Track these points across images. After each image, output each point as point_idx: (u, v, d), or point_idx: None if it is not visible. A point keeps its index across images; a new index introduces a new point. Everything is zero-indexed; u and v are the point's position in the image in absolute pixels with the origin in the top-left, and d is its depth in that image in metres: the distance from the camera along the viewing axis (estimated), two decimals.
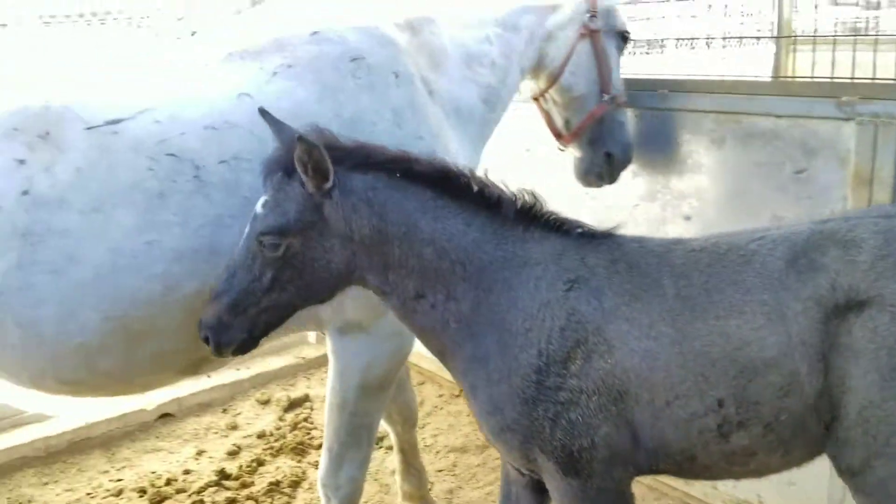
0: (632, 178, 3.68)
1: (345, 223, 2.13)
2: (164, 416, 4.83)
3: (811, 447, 2.07)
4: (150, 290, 2.35)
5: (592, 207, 3.70)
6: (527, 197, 2.22)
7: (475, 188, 2.20)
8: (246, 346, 2.22)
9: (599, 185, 3.54)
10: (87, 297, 2.28)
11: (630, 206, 3.73)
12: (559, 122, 3.46)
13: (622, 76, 3.48)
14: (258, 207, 2.14)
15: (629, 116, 3.55)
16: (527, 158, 4.09)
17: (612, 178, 3.51)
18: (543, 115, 3.52)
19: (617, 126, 3.41)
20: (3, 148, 2.25)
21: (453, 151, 2.84)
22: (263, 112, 2.25)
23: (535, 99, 3.51)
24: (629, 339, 2.06)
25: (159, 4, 7.21)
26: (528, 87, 3.49)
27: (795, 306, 1.97)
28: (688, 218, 3.61)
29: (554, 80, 3.34)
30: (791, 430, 2.02)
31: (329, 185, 2.09)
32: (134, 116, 2.39)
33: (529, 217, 2.23)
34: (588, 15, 3.29)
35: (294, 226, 2.11)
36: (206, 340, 2.20)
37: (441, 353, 2.30)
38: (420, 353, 3.56)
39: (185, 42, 3.04)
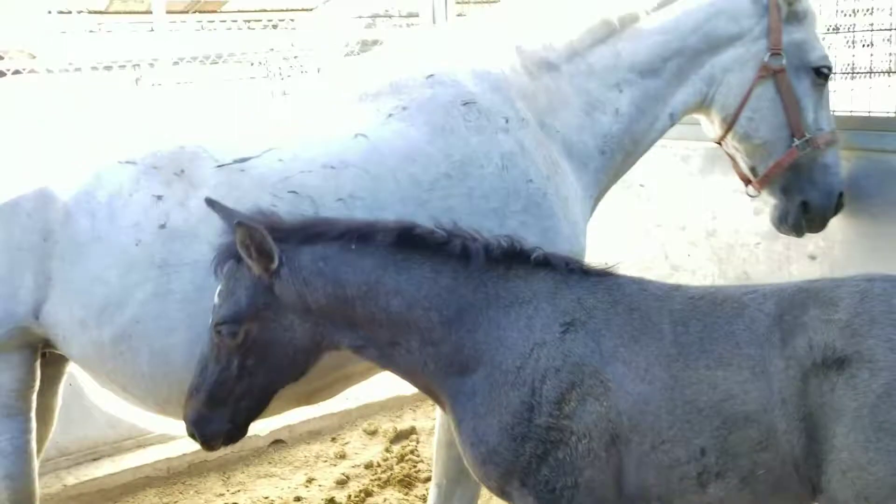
0: (753, 216, 3.53)
1: (299, 298, 2.13)
2: (276, 443, 4.97)
3: None
4: None
5: (712, 245, 3.57)
6: (502, 241, 2.23)
7: (437, 238, 2.20)
8: (233, 435, 2.25)
9: (799, 235, 3.21)
10: None
11: (751, 244, 3.58)
12: (745, 168, 3.17)
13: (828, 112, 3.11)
14: (215, 297, 2.17)
15: (839, 156, 3.11)
16: (641, 193, 4.01)
17: (813, 227, 3.14)
18: (729, 159, 3.26)
19: (818, 170, 3.04)
20: (143, 185, 2.43)
21: (564, 195, 2.81)
22: (210, 201, 2.25)
23: (718, 142, 3.23)
24: (626, 382, 2.07)
25: (271, 45, 7.63)
26: (709, 127, 3.24)
27: (779, 363, 1.97)
28: (813, 258, 3.43)
29: (729, 126, 3.06)
30: (769, 486, 2.01)
31: (275, 265, 2.10)
32: (260, 155, 2.52)
33: (510, 257, 2.22)
34: (769, 54, 2.96)
35: (248, 311, 2.12)
36: (193, 436, 2.24)
37: (427, 390, 2.31)
38: None
39: (307, 84, 3.18)
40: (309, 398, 2.76)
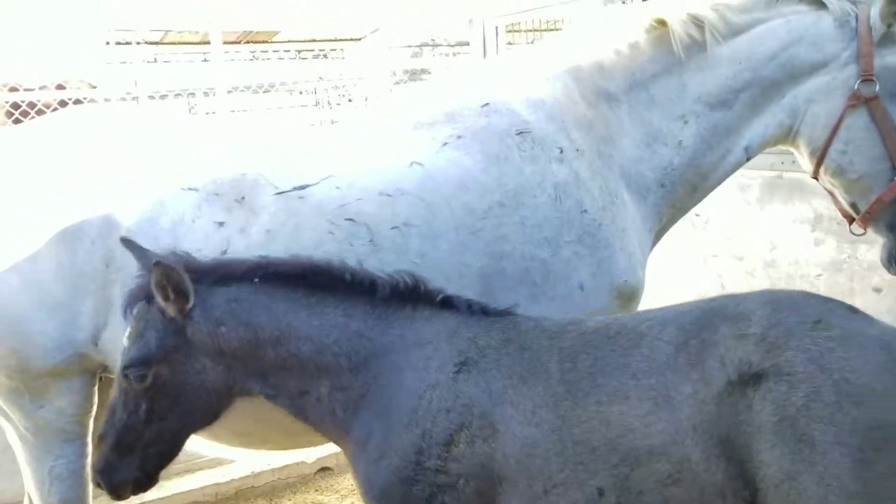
0: (814, 246, 3.44)
1: (211, 340, 2.10)
2: (323, 470, 4.96)
3: None
4: None
5: (770, 276, 3.49)
6: (406, 279, 2.20)
7: (348, 278, 2.18)
8: (142, 483, 2.17)
9: None
10: None
11: (812, 275, 3.49)
12: (845, 205, 2.95)
13: None
14: (123, 340, 2.13)
15: None
16: (697, 221, 3.94)
17: None
18: (829, 194, 3.04)
19: None
20: (205, 211, 2.46)
21: (622, 226, 2.76)
22: (125, 241, 2.24)
23: (814, 177, 3.00)
24: (513, 425, 2.01)
25: (320, 75, 7.78)
26: (802, 161, 3.03)
27: (685, 390, 1.88)
28: (878, 290, 3.32)
29: (819, 160, 2.86)
30: None
31: (190, 305, 2.07)
32: (318, 182, 2.54)
33: (416, 297, 2.20)
34: (859, 80, 2.74)
35: (157, 354, 2.08)
36: (99, 485, 2.17)
37: (338, 442, 2.28)
38: None
39: (361, 112, 3.21)
40: None
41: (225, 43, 6.29)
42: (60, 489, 2.70)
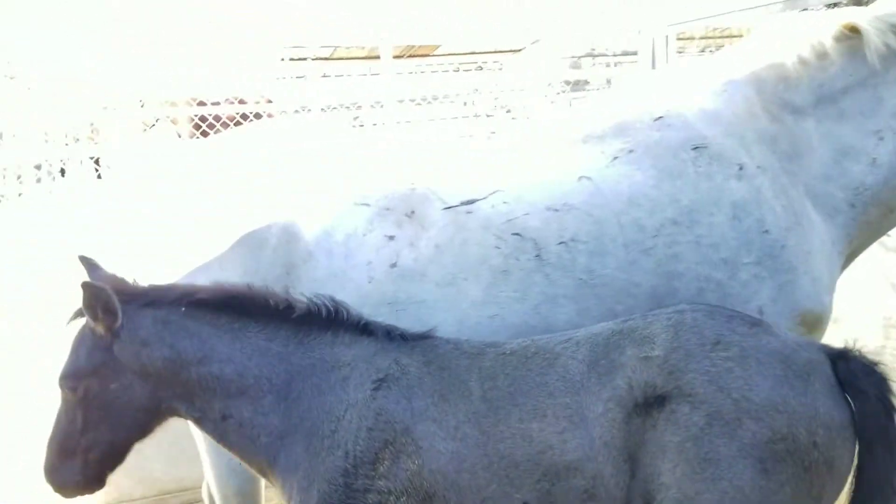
0: None
1: (137, 359, 2.18)
2: None
3: None
4: None
5: None
6: (328, 304, 2.24)
7: (271, 304, 2.22)
8: (85, 485, 2.29)
9: None
10: None
11: None
12: None
13: None
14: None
15: None
16: (886, 241, 3.63)
17: None
18: None
19: None
20: (376, 225, 2.55)
21: (807, 249, 2.57)
22: (82, 258, 2.32)
23: None
24: (436, 441, 2.05)
25: (477, 86, 7.87)
26: None
27: (596, 408, 1.97)
28: None
29: None
30: None
31: (118, 324, 2.13)
32: (486, 197, 2.56)
33: (339, 323, 2.24)
34: None
35: (85, 368, 2.19)
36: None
37: (262, 472, 2.25)
38: None
39: (529, 124, 3.21)
40: None
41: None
42: (237, 481, 2.89)
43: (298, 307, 2.28)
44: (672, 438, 1.90)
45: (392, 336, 2.28)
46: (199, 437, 2.98)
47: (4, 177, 7.20)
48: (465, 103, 7.44)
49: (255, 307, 2.28)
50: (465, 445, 2.06)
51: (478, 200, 2.56)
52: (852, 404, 1.96)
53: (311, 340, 2.26)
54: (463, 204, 2.56)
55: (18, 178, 7.45)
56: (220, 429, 2.28)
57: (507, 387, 2.09)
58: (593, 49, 9.45)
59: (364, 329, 2.29)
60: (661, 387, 1.94)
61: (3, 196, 6.88)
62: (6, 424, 4.04)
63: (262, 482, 3.00)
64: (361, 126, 6.70)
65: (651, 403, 1.94)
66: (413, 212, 2.56)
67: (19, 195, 7.22)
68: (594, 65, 9.20)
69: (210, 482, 3.02)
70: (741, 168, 2.58)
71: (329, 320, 2.27)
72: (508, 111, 7.94)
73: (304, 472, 2.15)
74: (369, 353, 2.24)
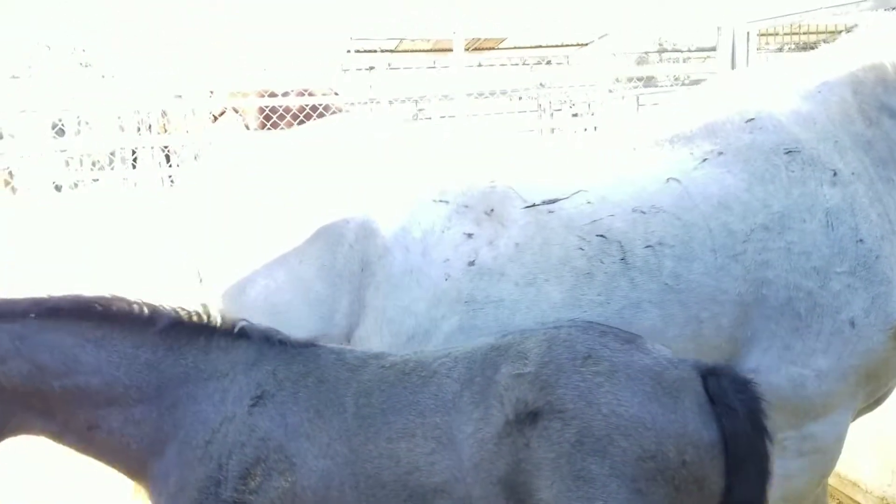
0: None
1: None
2: None
3: None
4: None
5: None
6: (198, 311, 2.19)
7: (135, 310, 2.17)
8: None
9: None
10: None
11: None
12: None
13: None
14: None
15: None
16: None
17: None
18: None
19: None
20: (454, 223, 2.53)
21: None
22: None
23: None
24: (308, 458, 2.03)
25: (542, 81, 7.81)
26: None
27: (466, 429, 1.93)
28: None
29: None
30: None
31: None
32: (569, 197, 2.51)
33: (211, 328, 2.18)
34: None
35: None
36: None
37: (132, 476, 2.20)
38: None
39: (616, 121, 3.15)
40: None
41: (450, 50, 6.53)
42: None
43: (164, 313, 2.23)
44: (546, 455, 1.87)
45: (272, 342, 2.22)
46: None
47: (81, 163, 7.46)
48: (524, 98, 7.38)
49: (119, 314, 2.21)
50: (335, 464, 2.03)
51: (560, 200, 2.52)
52: (723, 422, 1.91)
53: (181, 346, 2.20)
54: (545, 203, 2.52)
55: (93, 164, 7.71)
56: (85, 439, 2.21)
57: (381, 404, 2.05)
58: (662, 45, 9.28)
59: (241, 334, 2.22)
60: (533, 403, 1.89)
61: (80, 182, 7.12)
62: None
63: None
64: (427, 119, 6.72)
65: (523, 421, 1.89)
66: (492, 210, 2.53)
67: (94, 181, 7.48)
68: (660, 61, 9.03)
69: None
70: (835, 174, 2.49)
71: (200, 326, 2.22)
72: (572, 106, 7.85)
73: (176, 480, 2.13)
74: (248, 363, 2.18)
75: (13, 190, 6.89)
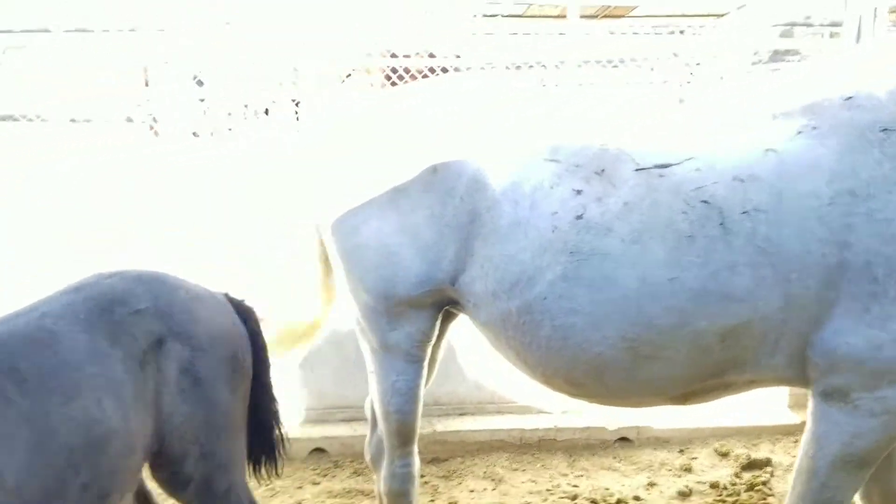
0: None
1: None
2: (623, 440, 5.08)
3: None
4: (665, 320, 2.54)
5: None
6: None
7: None
8: None
9: None
10: (612, 315, 2.57)
11: None
12: None
13: None
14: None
15: None
16: None
17: None
18: None
19: None
20: (564, 180, 2.68)
21: None
22: None
23: None
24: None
25: (674, 51, 7.62)
26: None
27: (118, 368, 2.17)
28: None
29: None
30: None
31: None
32: (680, 163, 2.61)
33: None
34: None
35: None
36: None
37: None
38: None
39: (717, 94, 3.16)
40: (685, 399, 2.81)
41: (581, 17, 6.51)
42: (399, 402, 3.18)
43: None
44: (172, 373, 2.29)
45: None
46: (368, 362, 3.28)
47: (219, 112, 7.96)
48: (652, 69, 7.25)
49: None
50: (21, 450, 1.96)
51: (672, 165, 2.61)
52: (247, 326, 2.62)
53: None
54: (656, 167, 2.62)
55: (228, 114, 8.21)
56: None
57: (36, 373, 2.04)
58: (808, 17, 8.84)
59: None
60: (158, 332, 2.29)
61: (215, 131, 7.63)
62: None
63: (420, 405, 3.26)
64: (544, 86, 6.76)
65: (154, 348, 2.27)
66: (603, 170, 2.65)
67: (229, 130, 7.97)
68: (807, 34, 8.60)
69: (374, 399, 3.33)
70: None
71: None
72: (700, 79, 7.64)
73: None
74: None
75: (156, 134, 7.46)
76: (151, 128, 7.43)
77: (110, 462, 2.12)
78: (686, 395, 2.77)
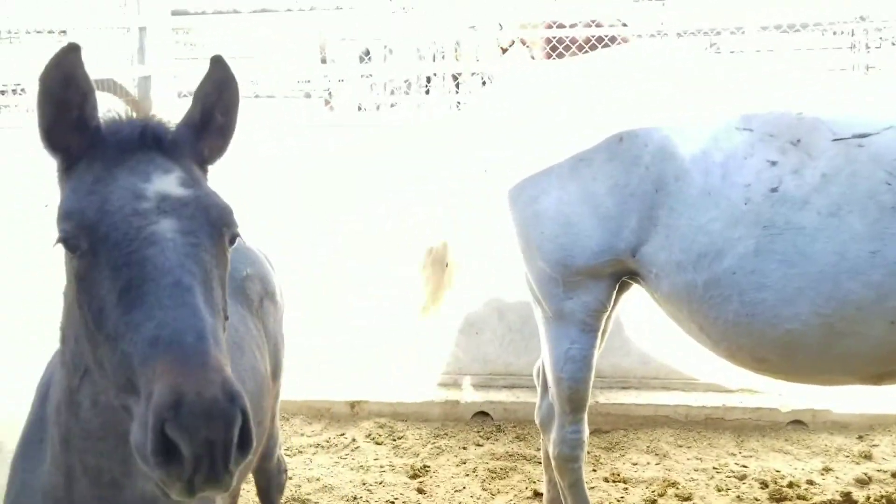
0: None
1: None
2: (796, 423, 4.89)
3: None
4: (863, 296, 2.46)
5: None
6: None
7: None
8: None
9: None
10: (805, 290, 2.51)
11: None
12: None
13: None
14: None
15: None
16: None
17: None
18: None
19: None
20: (758, 150, 2.62)
21: None
22: None
23: None
24: None
25: (861, 15, 7.07)
26: None
27: (251, 325, 2.54)
28: None
29: None
30: None
31: None
32: (879, 132, 2.50)
33: None
34: None
35: None
36: None
37: None
38: None
39: None
40: (879, 379, 2.70)
41: None
42: (572, 369, 3.21)
43: None
44: (270, 328, 2.68)
45: None
46: (542, 329, 3.34)
47: (385, 88, 8.30)
48: (836, 33, 6.76)
49: None
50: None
51: (871, 135, 2.50)
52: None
53: None
54: (855, 137, 2.51)
55: (391, 91, 8.52)
56: None
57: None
58: None
59: None
60: (260, 292, 2.66)
61: (380, 104, 7.95)
62: None
63: (592, 374, 3.29)
64: (718, 52, 6.50)
65: (259, 307, 2.64)
66: (799, 140, 2.57)
67: (391, 105, 8.28)
68: None
69: (546, 366, 3.38)
70: None
71: None
72: (894, 43, 7.05)
73: None
74: None
75: (331, 108, 7.88)
76: (327, 102, 7.87)
77: (266, 405, 2.48)
78: (881, 375, 2.65)
